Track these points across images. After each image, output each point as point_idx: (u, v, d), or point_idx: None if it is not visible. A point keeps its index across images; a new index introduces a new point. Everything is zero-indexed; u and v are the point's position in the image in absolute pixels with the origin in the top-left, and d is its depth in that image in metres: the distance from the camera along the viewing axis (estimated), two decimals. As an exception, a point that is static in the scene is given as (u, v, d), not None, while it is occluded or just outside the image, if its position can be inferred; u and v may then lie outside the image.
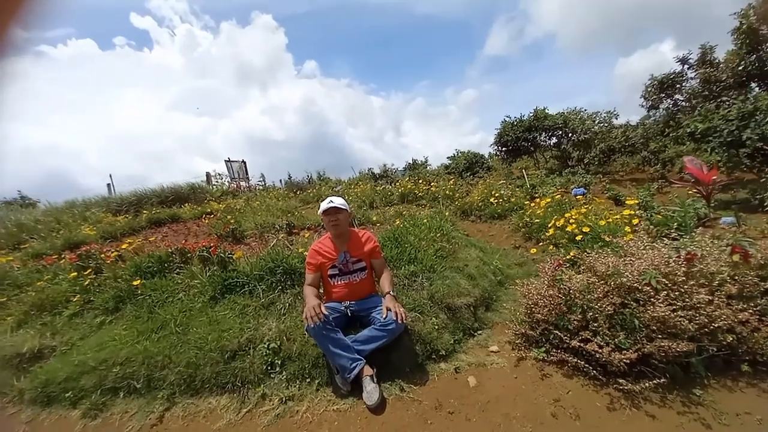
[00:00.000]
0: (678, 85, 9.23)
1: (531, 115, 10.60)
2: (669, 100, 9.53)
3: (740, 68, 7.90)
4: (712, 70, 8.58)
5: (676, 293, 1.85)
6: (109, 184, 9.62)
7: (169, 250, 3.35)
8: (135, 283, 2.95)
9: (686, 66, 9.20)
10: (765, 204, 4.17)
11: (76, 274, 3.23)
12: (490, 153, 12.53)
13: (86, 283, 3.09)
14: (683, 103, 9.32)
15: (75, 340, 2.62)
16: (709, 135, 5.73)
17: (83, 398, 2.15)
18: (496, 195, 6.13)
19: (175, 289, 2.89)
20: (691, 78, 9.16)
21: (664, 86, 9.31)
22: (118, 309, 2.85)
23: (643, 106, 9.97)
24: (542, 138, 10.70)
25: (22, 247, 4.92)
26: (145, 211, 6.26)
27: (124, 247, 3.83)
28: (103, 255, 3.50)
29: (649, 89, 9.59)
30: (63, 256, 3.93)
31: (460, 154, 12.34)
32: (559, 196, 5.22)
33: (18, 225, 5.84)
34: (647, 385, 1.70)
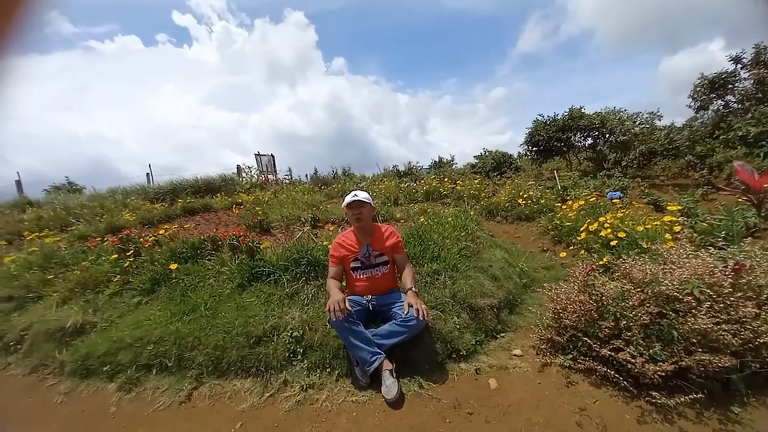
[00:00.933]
0: (730, 86, 8.55)
1: (566, 114, 10.17)
2: (720, 101, 8.85)
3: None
4: (766, 71, 7.88)
5: (721, 305, 1.73)
6: (148, 174, 10.18)
7: (202, 237, 3.49)
8: (170, 267, 3.11)
9: (739, 66, 8.51)
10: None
11: (117, 256, 3.44)
12: (519, 153, 12.18)
13: (126, 264, 3.28)
14: (735, 105, 8.62)
15: (114, 317, 2.80)
16: (763, 139, 5.29)
17: (119, 373, 2.30)
18: (525, 196, 5.95)
19: (206, 275, 3.02)
20: (744, 78, 8.46)
21: (714, 86, 8.65)
22: (154, 291, 3.02)
23: (690, 106, 9.31)
24: (576, 138, 10.25)
25: (69, 229, 5.29)
26: (179, 200, 6.57)
27: (160, 232, 4.04)
28: (141, 239, 3.71)
29: (698, 89, 8.94)
30: (105, 239, 4.19)
31: (487, 154, 12.06)
32: (593, 199, 4.99)
33: (65, 208, 6.28)
34: (682, 399, 1.61)
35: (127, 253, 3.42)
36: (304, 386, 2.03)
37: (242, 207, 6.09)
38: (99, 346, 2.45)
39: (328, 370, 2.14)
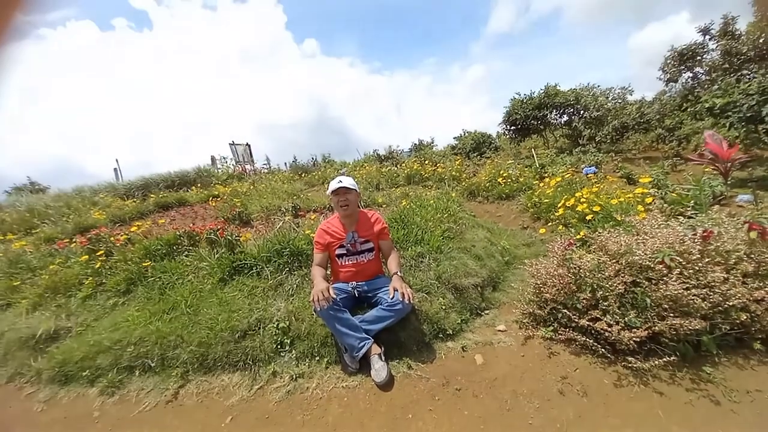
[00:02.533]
0: (699, 57, 8.82)
1: (542, 92, 10.26)
2: (689, 73, 9.13)
3: (761, 41, 7.49)
4: (733, 41, 8.15)
5: (690, 271, 1.81)
6: (115, 169, 9.69)
7: (177, 233, 3.37)
8: (145, 264, 2.99)
9: (707, 37, 8.76)
10: (784, 181, 4.03)
11: (87, 257, 3.28)
12: (498, 133, 12.27)
13: (97, 265, 3.14)
14: (703, 77, 8.92)
15: (89, 321, 2.69)
16: (728, 110, 5.50)
17: (100, 376, 2.22)
18: (504, 175, 6.02)
19: (185, 272, 2.93)
20: (712, 50, 8.73)
21: (684, 58, 8.91)
22: (130, 291, 2.91)
23: (661, 79, 9.60)
24: (553, 116, 10.41)
25: (33, 231, 5.01)
26: (152, 195, 6.31)
27: (133, 230, 3.87)
28: (112, 238, 3.55)
29: (668, 61, 9.19)
30: (74, 240, 3.99)
31: (467, 134, 12.09)
32: (569, 175, 5.11)
33: (29, 210, 5.93)
34: (656, 363, 1.70)
35: (98, 254, 3.27)
36: (294, 376, 2.02)
37: (219, 199, 5.92)
38: (76, 351, 2.35)
39: (317, 358, 2.14)
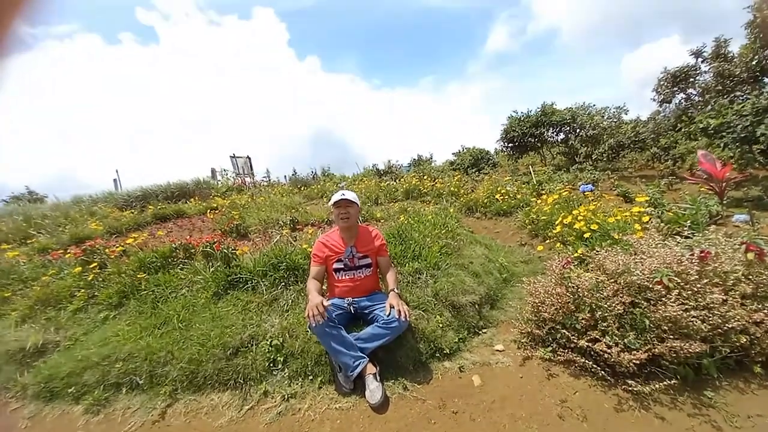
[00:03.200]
0: (691, 79, 9.03)
1: (538, 110, 10.43)
2: (682, 94, 9.33)
3: (754, 63, 7.69)
4: (726, 64, 8.36)
5: (689, 292, 1.79)
6: (115, 180, 9.70)
7: (173, 245, 3.34)
8: (139, 277, 2.95)
9: (700, 59, 8.99)
10: (779, 201, 4.06)
11: (80, 268, 3.24)
12: (495, 149, 12.40)
13: (90, 278, 3.10)
14: (696, 98, 9.11)
15: (79, 335, 2.63)
16: (723, 131, 5.59)
17: (86, 394, 2.15)
18: (502, 191, 6.05)
19: (179, 285, 2.89)
20: (705, 72, 8.95)
21: (677, 80, 9.11)
22: (122, 304, 2.86)
23: (654, 100, 9.79)
24: (549, 134, 10.54)
25: (29, 241, 4.96)
26: (150, 207, 6.29)
27: (128, 242, 3.84)
28: (107, 250, 3.51)
29: (661, 82, 9.39)
30: (68, 251, 3.95)
31: (465, 150, 12.21)
32: (566, 192, 5.13)
33: (26, 219, 5.90)
34: (657, 386, 1.66)
35: (92, 266, 3.23)
36: (286, 396, 1.97)
37: (218, 212, 5.90)
38: (63, 367, 2.29)
39: (310, 377, 2.08)
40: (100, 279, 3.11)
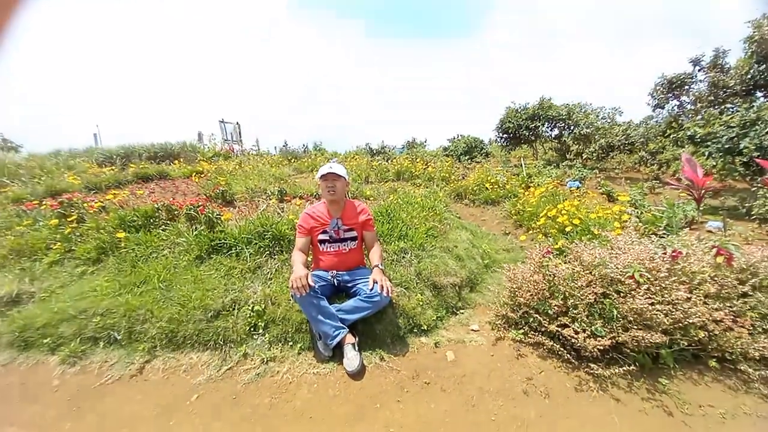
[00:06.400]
0: (686, 86, 9.16)
1: (536, 103, 10.45)
2: (675, 101, 9.48)
3: (748, 76, 7.84)
4: (721, 74, 8.50)
5: (657, 288, 1.89)
6: (95, 134, 9.29)
7: (156, 205, 3.27)
8: (118, 235, 2.89)
9: (697, 68, 9.10)
10: (752, 212, 4.25)
11: (57, 221, 3.14)
12: (490, 139, 12.44)
13: (67, 231, 3.01)
14: (689, 106, 9.28)
15: (55, 287, 2.59)
16: (708, 140, 5.75)
17: (62, 345, 2.14)
18: (492, 181, 6.11)
19: (160, 246, 2.85)
20: (700, 81, 9.09)
21: (672, 86, 9.23)
22: (100, 260, 2.81)
23: (649, 104, 9.94)
24: (544, 128, 10.61)
25: (1, 190, 4.75)
26: (132, 166, 6.08)
27: (108, 198, 3.73)
28: (86, 204, 3.41)
29: (657, 88, 9.51)
30: (44, 202, 3.81)
31: (460, 138, 12.20)
32: (554, 187, 5.23)
33: (-1, 167, 5.62)
34: (617, 371, 1.78)
35: (69, 219, 3.14)
36: (265, 359, 2.01)
37: (203, 176, 5.76)
38: (38, 317, 2.26)
39: (290, 343, 2.13)
40: (78, 233, 3.03)
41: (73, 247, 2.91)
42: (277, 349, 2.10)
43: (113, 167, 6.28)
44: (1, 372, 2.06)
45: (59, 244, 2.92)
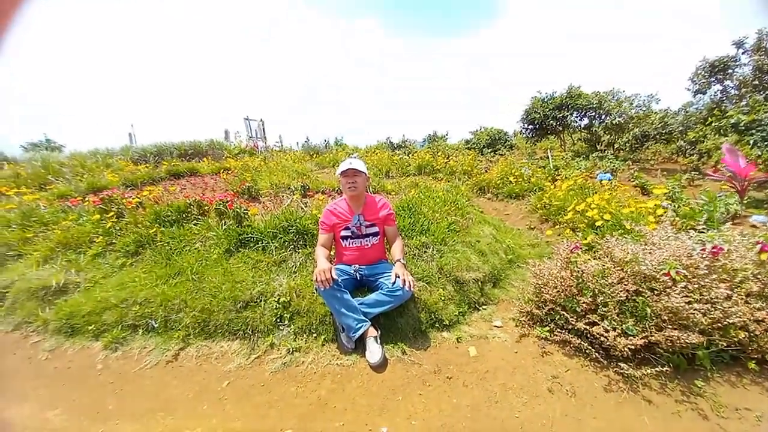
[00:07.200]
0: (729, 70, 8.51)
1: (564, 92, 10.01)
2: (718, 86, 8.83)
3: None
4: (766, 58, 7.82)
5: (695, 286, 1.80)
6: (130, 134, 9.78)
7: (188, 201, 3.42)
8: (154, 229, 3.05)
9: (741, 50, 8.42)
10: (802, 205, 3.93)
11: (99, 216, 3.35)
12: (514, 131, 12.09)
13: (108, 225, 3.21)
14: (732, 91, 8.62)
15: (98, 278, 2.77)
16: (753, 128, 5.33)
17: (105, 332, 2.30)
18: (516, 174, 5.96)
19: (192, 239, 2.99)
20: (744, 64, 8.41)
21: (715, 70, 8.59)
22: (138, 253, 2.98)
23: (689, 89, 9.29)
24: (573, 118, 10.16)
25: (47, 187, 5.12)
26: (164, 163, 6.37)
27: (144, 194, 3.94)
28: (124, 200, 3.61)
29: (699, 71, 8.88)
30: (86, 198, 4.07)
31: (482, 130, 11.94)
32: (582, 180, 5.03)
33: (44, 166, 6.05)
34: (649, 371, 1.71)
35: (110, 215, 3.34)
36: (291, 349, 2.08)
37: (230, 173, 5.96)
38: (83, 306, 2.44)
39: (315, 335, 2.19)
40: (118, 228, 3.23)
41: (113, 241, 3.10)
42: (302, 340, 2.16)
43: (147, 165, 6.62)
44: (49, 357, 2.23)
45: (101, 237, 3.12)
